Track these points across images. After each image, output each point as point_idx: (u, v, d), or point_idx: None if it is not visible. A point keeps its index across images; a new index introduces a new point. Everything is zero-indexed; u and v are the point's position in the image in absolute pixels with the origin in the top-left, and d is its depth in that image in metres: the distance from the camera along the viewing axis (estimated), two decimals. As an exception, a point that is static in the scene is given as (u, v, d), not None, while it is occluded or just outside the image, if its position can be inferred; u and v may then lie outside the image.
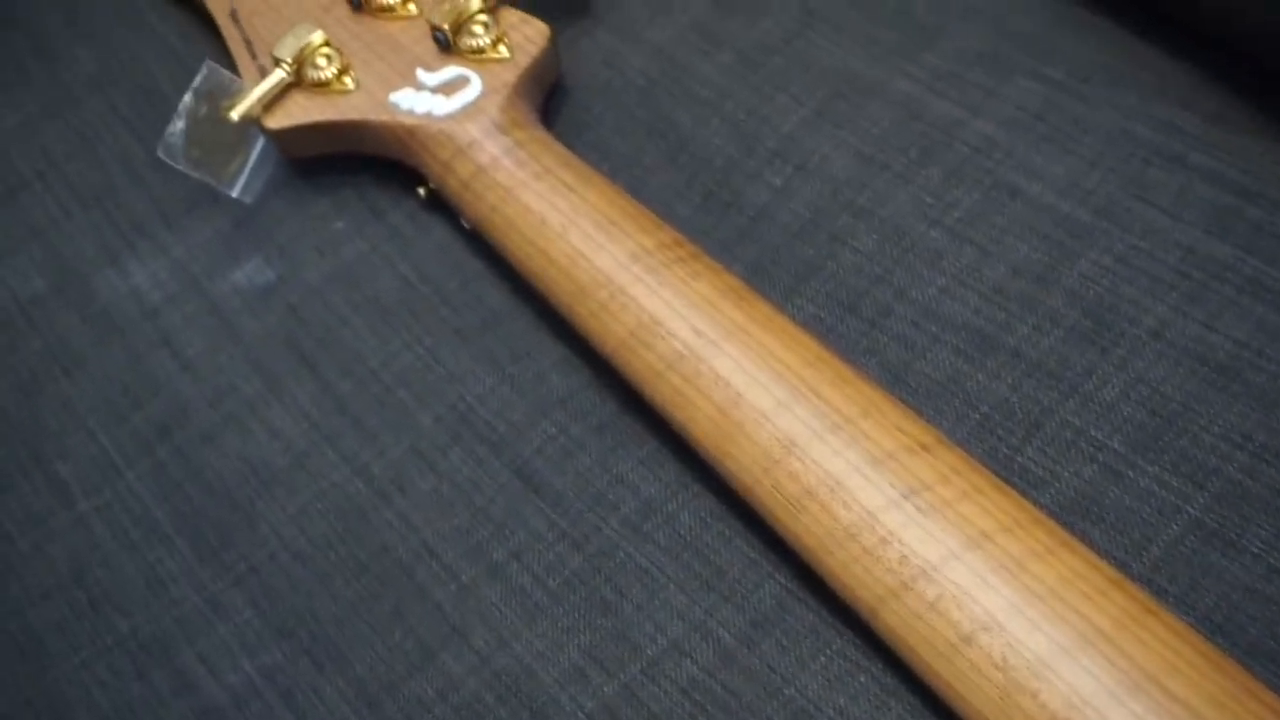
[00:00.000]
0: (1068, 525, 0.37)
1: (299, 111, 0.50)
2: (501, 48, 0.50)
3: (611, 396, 0.45)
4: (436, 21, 0.50)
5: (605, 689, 0.40)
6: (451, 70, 0.50)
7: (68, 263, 0.53)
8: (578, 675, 0.40)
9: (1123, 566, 0.37)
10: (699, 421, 0.40)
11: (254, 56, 0.52)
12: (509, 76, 0.49)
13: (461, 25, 0.50)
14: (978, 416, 0.41)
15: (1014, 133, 0.46)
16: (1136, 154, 0.44)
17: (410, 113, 0.49)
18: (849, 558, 0.37)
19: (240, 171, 0.51)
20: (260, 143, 0.51)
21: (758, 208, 0.47)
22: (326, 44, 0.50)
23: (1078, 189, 0.44)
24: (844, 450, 0.38)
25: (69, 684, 0.43)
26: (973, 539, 0.36)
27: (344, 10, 0.53)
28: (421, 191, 0.50)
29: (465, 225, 0.49)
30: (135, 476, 0.47)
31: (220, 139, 0.50)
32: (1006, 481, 0.37)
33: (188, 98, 0.48)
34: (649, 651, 0.40)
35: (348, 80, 0.50)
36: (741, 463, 0.39)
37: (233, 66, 0.52)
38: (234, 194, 0.51)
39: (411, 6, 0.52)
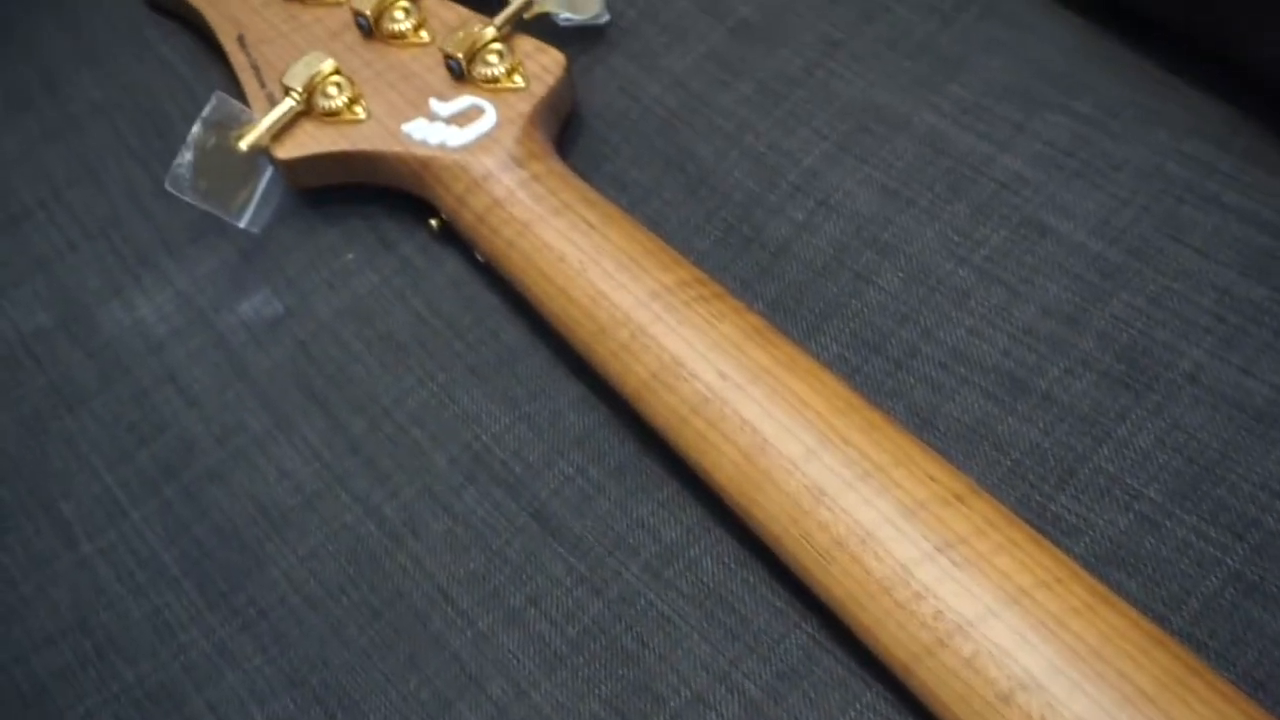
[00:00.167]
0: (1102, 576, 0.36)
1: (309, 141, 0.49)
2: (517, 77, 0.49)
3: (630, 436, 0.44)
4: (450, 50, 0.48)
5: (627, 743, 0.39)
6: (465, 100, 0.49)
7: (72, 295, 0.51)
8: (599, 728, 0.39)
9: (1160, 620, 0.36)
10: (724, 468, 0.39)
11: (262, 84, 0.51)
12: (524, 107, 0.48)
13: (475, 54, 0.49)
14: (1009, 463, 0.40)
15: (1043, 169, 0.45)
16: (1169, 192, 0.43)
17: (423, 144, 0.48)
18: (882, 612, 0.36)
19: (248, 202, 0.50)
20: (269, 172, 0.50)
21: (779, 243, 0.46)
22: (337, 72, 0.49)
23: (1109, 228, 0.43)
24: (875, 500, 0.37)
25: (73, 733, 0.42)
26: (1010, 595, 0.35)
27: (354, 37, 0.52)
28: (434, 223, 0.49)
29: (479, 259, 0.48)
30: (141, 517, 0.46)
31: (229, 169, 0.49)
32: (1039, 530, 0.37)
33: (196, 128, 0.47)
34: (672, 704, 0.39)
35: (359, 109, 0.49)
36: (769, 511, 0.38)
37: (239, 92, 0.51)
38: (242, 224, 0.50)
39: (423, 34, 0.51)
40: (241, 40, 0.53)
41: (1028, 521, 0.37)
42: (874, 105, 0.48)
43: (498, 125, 0.48)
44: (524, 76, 0.49)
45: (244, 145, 0.48)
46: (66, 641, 0.44)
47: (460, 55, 0.48)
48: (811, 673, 0.38)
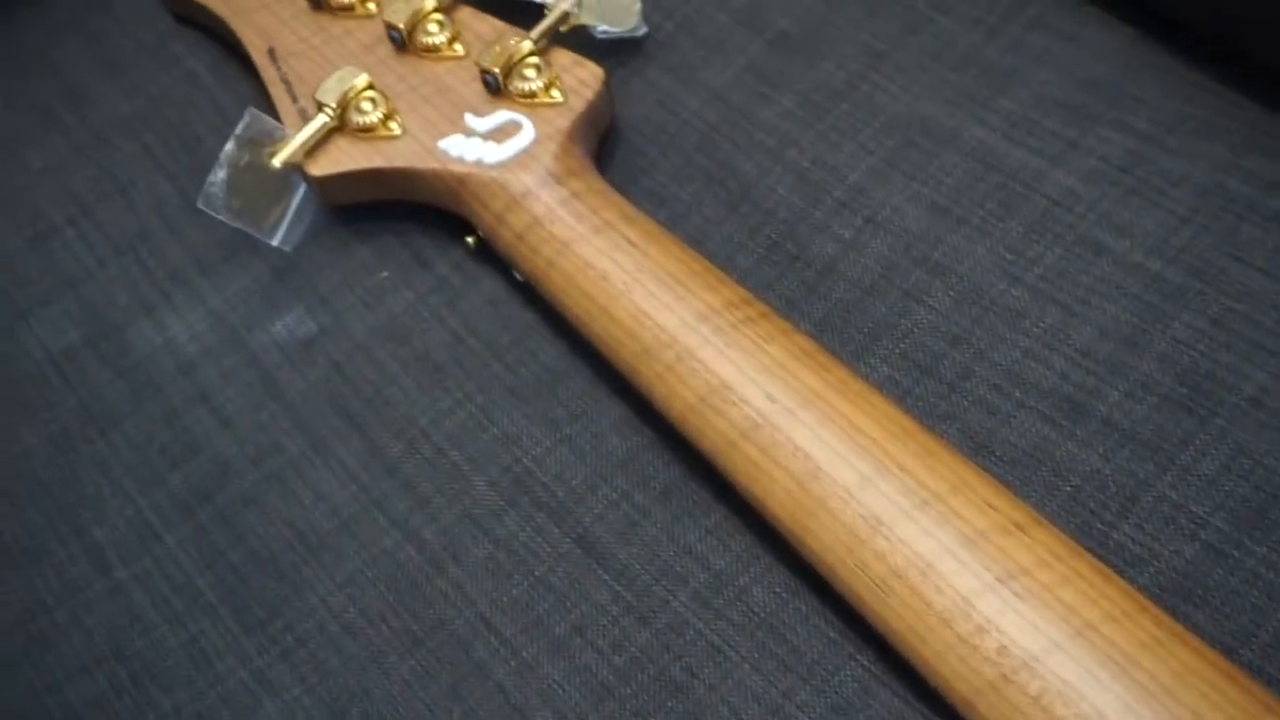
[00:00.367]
0: (1169, 608, 0.35)
1: (344, 158, 0.48)
2: (554, 91, 0.48)
3: (675, 460, 0.43)
4: (486, 64, 0.48)
5: (678, 778, 0.38)
6: (502, 115, 0.48)
7: (101, 313, 0.51)
8: (649, 762, 0.38)
9: (1230, 653, 0.35)
10: (776, 495, 0.38)
11: (294, 99, 0.50)
12: (563, 122, 0.47)
13: (512, 68, 0.48)
14: (1069, 489, 0.39)
15: (1097, 185, 0.44)
16: (1229, 209, 0.42)
17: (460, 160, 0.47)
18: (943, 645, 0.35)
19: (281, 219, 0.49)
20: (301, 189, 0.49)
21: (825, 261, 0.45)
22: (371, 87, 0.49)
23: (1167, 247, 0.42)
24: (934, 530, 0.36)
25: (109, 765, 0.41)
26: (1076, 629, 0.34)
27: (387, 50, 0.51)
28: (470, 241, 0.48)
29: (518, 277, 0.47)
30: (175, 541, 0.45)
31: (261, 187, 0.48)
32: (1101, 560, 0.36)
33: (230, 146, 0.46)
34: (723, 737, 0.38)
35: (393, 125, 0.48)
36: (823, 541, 0.37)
37: (270, 107, 0.50)
38: (274, 243, 0.49)
39: (458, 47, 0.50)
40: (272, 54, 0.52)
41: (1089, 551, 0.36)
42: (920, 119, 0.47)
43: (536, 141, 0.47)
44: (562, 91, 0.48)
45: (277, 162, 0.47)
46: (101, 670, 0.43)
47: (497, 70, 0.47)
48: (868, 706, 0.37)
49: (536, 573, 0.42)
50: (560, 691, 0.40)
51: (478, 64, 0.48)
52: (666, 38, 0.52)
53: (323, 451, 0.46)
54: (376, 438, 0.46)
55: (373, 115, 0.48)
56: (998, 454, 0.40)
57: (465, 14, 0.51)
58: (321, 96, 0.48)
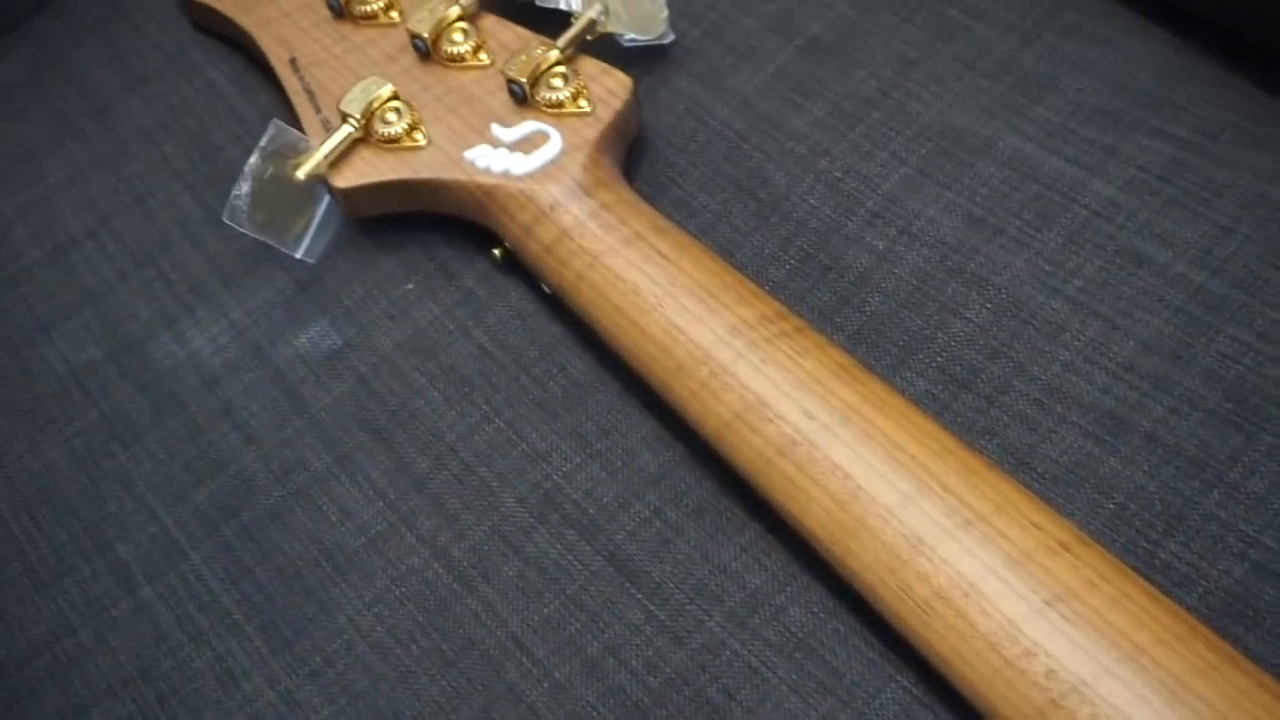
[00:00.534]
0: (1218, 629, 0.34)
1: (369, 170, 0.47)
2: (582, 101, 0.47)
3: (708, 476, 0.42)
4: (513, 74, 0.47)
5: (716, 802, 0.37)
6: (529, 125, 0.47)
7: (122, 327, 0.50)
8: (686, 786, 0.37)
9: (1282, 676, 0.34)
10: (814, 514, 0.38)
11: (317, 109, 0.50)
12: (591, 132, 0.46)
13: (539, 77, 0.47)
14: (1112, 506, 0.38)
15: (1138, 195, 0.43)
16: (1274, 219, 0.41)
17: (487, 171, 0.46)
18: (989, 670, 0.34)
19: (305, 232, 0.48)
20: (325, 201, 0.49)
21: (859, 273, 0.44)
22: (395, 97, 0.48)
23: (1211, 258, 0.41)
24: (978, 550, 0.35)
25: (136, 788, 0.41)
26: (1127, 653, 0.33)
27: (411, 59, 0.50)
28: (496, 253, 0.48)
29: (545, 290, 0.46)
30: (200, 558, 0.44)
31: (285, 199, 0.47)
32: (1148, 579, 0.35)
33: (254, 158, 0.46)
34: (762, 760, 0.37)
35: (419, 136, 0.48)
36: (864, 561, 0.37)
37: (292, 117, 0.50)
38: (298, 255, 0.49)
39: (483, 56, 0.49)
40: (294, 63, 0.52)
41: (1135, 570, 0.35)
42: (954, 128, 0.46)
43: (564, 152, 0.46)
44: (589, 100, 0.47)
45: (301, 175, 0.46)
46: (128, 691, 0.42)
47: (524, 79, 0.47)
48: (909, 729, 0.37)
49: (568, 591, 0.41)
50: (594, 714, 0.39)
51: (504, 73, 0.47)
52: (694, 45, 0.51)
53: (349, 467, 0.45)
54: (403, 453, 0.45)
55: (398, 126, 0.47)
56: (1039, 471, 0.39)
57: (489, 22, 0.50)
58: (346, 107, 0.47)
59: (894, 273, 0.44)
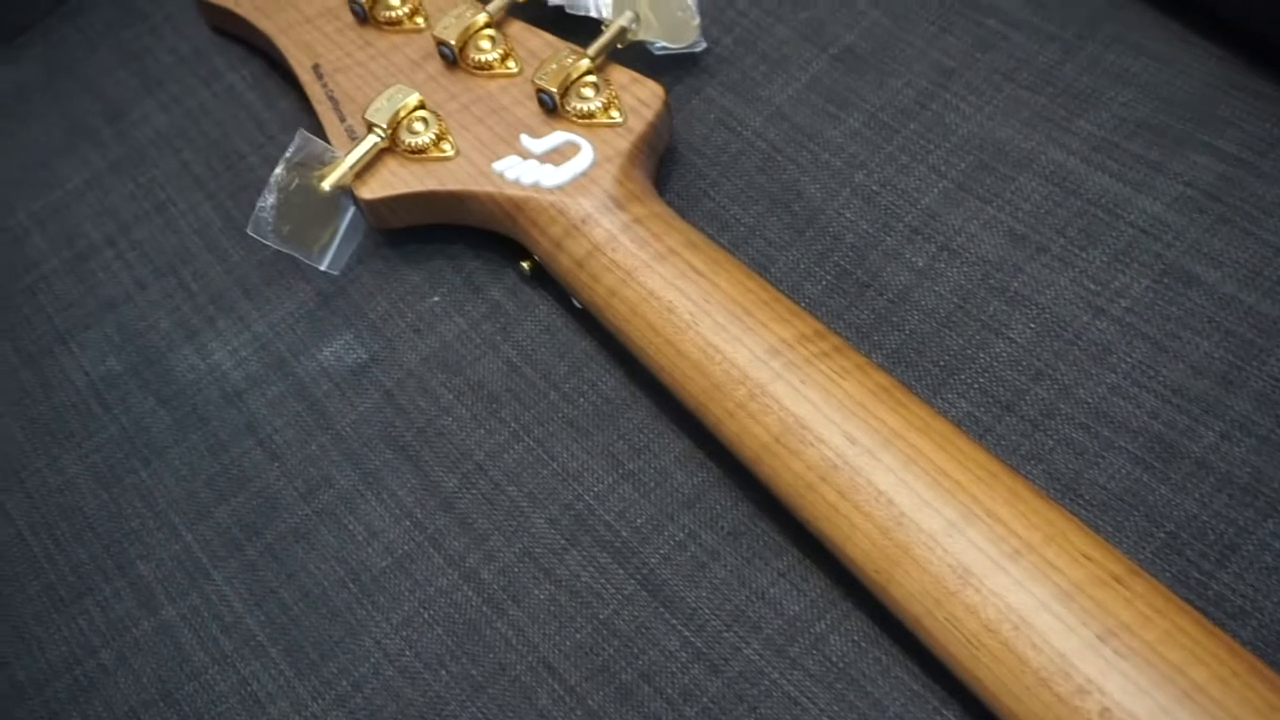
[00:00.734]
0: (1275, 664, 0.33)
1: (395, 181, 0.46)
2: (613, 111, 0.46)
3: (744, 498, 0.41)
4: (543, 83, 0.46)
5: (755, 836, 0.36)
6: (559, 136, 0.46)
7: (143, 338, 0.49)
8: (724, 819, 0.37)
9: (1340, 713, 0.33)
10: (857, 542, 0.37)
11: (342, 118, 0.49)
12: (623, 144, 0.45)
13: (569, 87, 0.46)
14: (1163, 535, 0.37)
15: (1185, 213, 0.42)
16: (1327, 240, 0.40)
17: (516, 183, 0.45)
18: (1040, 706, 0.33)
19: (330, 243, 0.47)
20: (350, 211, 0.48)
21: (897, 290, 0.43)
22: (422, 106, 0.47)
23: (1261, 278, 0.40)
24: (1027, 582, 0.34)
25: (160, 815, 0.40)
26: (1185, 691, 0.32)
27: (437, 66, 0.49)
28: (525, 265, 0.47)
29: (576, 304, 0.45)
30: (223, 578, 0.44)
31: (310, 210, 0.46)
32: (1200, 611, 0.34)
33: (279, 169, 0.45)
34: (802, 793, 0.36)
35: (446, 146, 0.47)
36: (909, 590, 0.36)
37: (315, 125, 0.49)
38: (323, 267, 0.48)
39: (511, 64, 0.48)
40: (317, 70, 0.51)
41: (1188, 602, 0.34)
42: (995, 141, 0.45)
43: (595, 164, 0.45)
44: (621, 111, 0.46)
45: (326, 186, 0.45)
46: (150, 715, 0.41)
47: (554, 89, 0.46)
48: (954, 763, 0.36)
49: (600, 616, 0.40)
50: (628, 742, 0.38)
51: (533, 82, 0.46)
52: (726, 53, 0.50)
53: (375, 485, 0.44)
54: (430, 471, 0.44)
55: (425, 136, 0.46)
56: (1086, 497, 0.38)
57: (517, 29, 0.49)
58: (372, 116, 0.46)
59: (934, 290, 0.43)
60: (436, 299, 0.48)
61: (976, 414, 0.41)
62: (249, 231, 0.45)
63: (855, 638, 0.38)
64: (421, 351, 0.47)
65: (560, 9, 0.50)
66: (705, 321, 0.41)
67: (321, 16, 0.52)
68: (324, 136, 0.48)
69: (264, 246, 0.48)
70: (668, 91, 0.46)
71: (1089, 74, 0.45)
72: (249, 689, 0.41)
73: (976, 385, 0.41)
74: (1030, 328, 0.41)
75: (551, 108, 0.46)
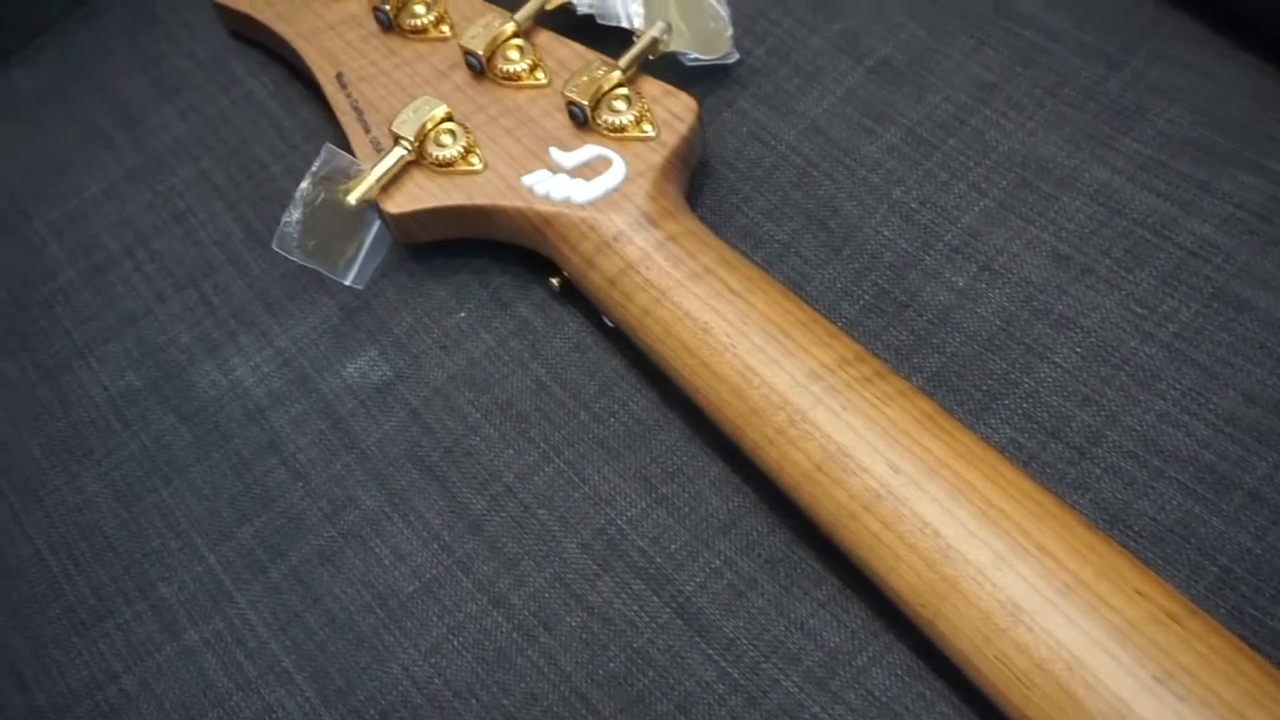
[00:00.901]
0: (1333, 704, 0.33)
1: (423, 195, 0.45)
2: (645, 125, 0.45)
3: (781, 524, 0.40)
4: (574, 95, 0.45)
5: None
6: (590, 150, 0.45)
7: (163, 353, 0.48)
8: None
9: (1401, 756, 0.33)
10: (902, 574, 0.36)
11: (366, 129, 0.48)
12: (655, 158, 0.44)
13: (601, 99, 0.45)
14: (1216, 569, 0.36)
15: (1235, 234, 0.41)
16: (1383, 265, 0.39)
17: (547, 198, 0.44)
18: (1095, 749, 0.32)
19: (355, 258, 0.46)
20: (375, 226, 0.47)
21: (937, 311, 0.42)
22: (449, 118, 0.46)
23: (1316, 304, 0.39)
24: (1080, 620, 0.33)
25: (184, 846, 0.39)
26: (1246, 737, 0.31)
27: (464, 76, 0.48)
28: (554, 282, 0.46)
29: (608, 323, 0.44)
30: (247, 601, 0.43)
31: (335, 225, 0.45)
32: (1256, 648, 0.33)
33: (305, 184, 0.44)
34: (844, 831, 0.36)
35: (474, 159, 0.46)
36: (956, 626, 0.35)
37: (339, 134, 0.48)
38: (347, 282, 0.47)
39: (540, 75, 0.47)
40: (340, 79, 0.49)
41: (1242, 638, 0.33)
42: (1037, 158, 0.44)
43: (627, 179, 0.44)
44: (653, 124, 0.45)
45: (352, 200, 0.44)
46: (174, 743, 0.41)
47: (585, 101, 0.45)
48: (1001, 803, 0.35)
49: (635, 645, 0.40)
50: (664, 776, 0.37)
51: (564, 94, 0.45)
52: (759, 64, 0.49)
53: (401, 506, 0.43)
54: (458, 492, 0.43)
55: (452, 149, 0.45)
56: (1135, 529, 0.37)
57: (545, 38, 0.48)
58: (399, 129, 0.45)
59: (975, 312, 0.42)
60: (463, 315, 0.47)
61: (1020, 440, 0.40)
62: (274, 247, 0.44)
63: (898, 671, 0.37)
64: (448, 369, 0.46)
65: (589, 18, 0.49)
66: (743, 344, 0.40)
67: (344, 23, 0.51)
68: (347, 147, 0.47)
69: (286, 259, 0.47)
70: (700, 104, 0.45)
71: (1133, 90, 0.44)
72: (274, 717, 0.40)
73: (1020, 411, 0.40)
74: (1076, 352, 0.40)
75: (582, 120, 0.45)
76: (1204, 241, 0.41)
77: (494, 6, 0.49)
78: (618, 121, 0.45)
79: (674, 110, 0.45)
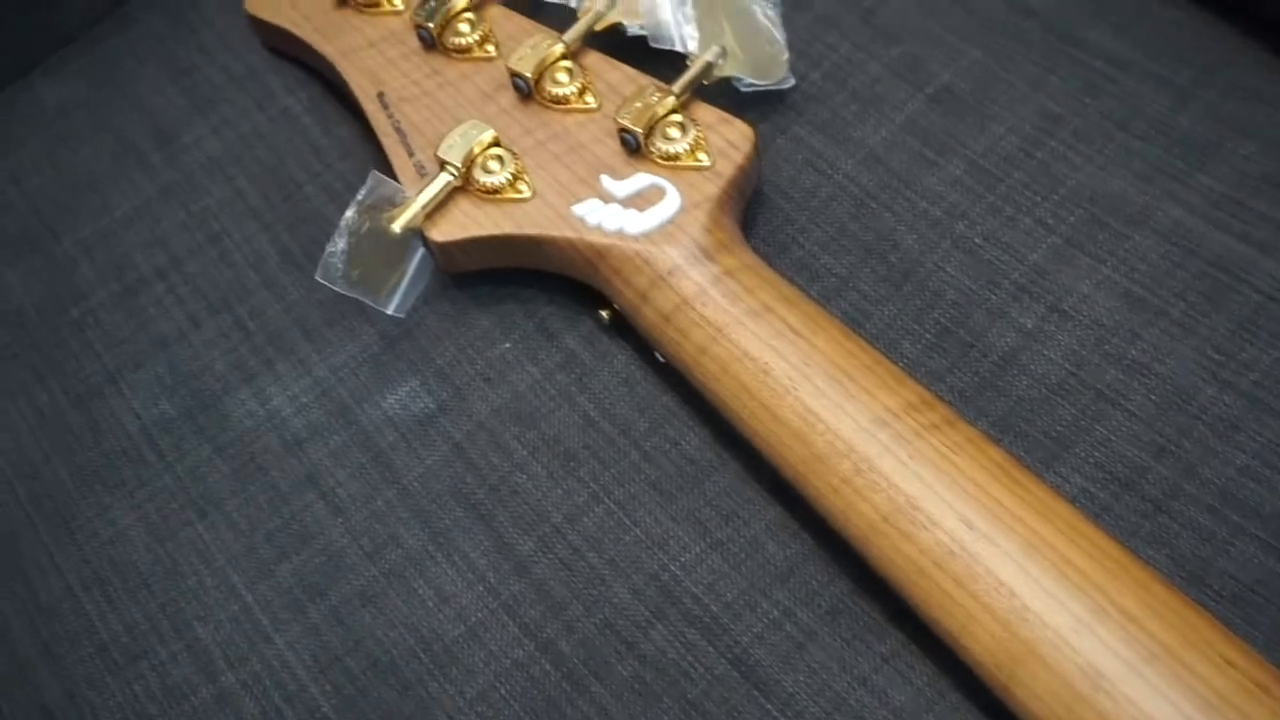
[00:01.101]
0: None
1: (469, 223, 0.44)
2: (700, 154, 0.43)
3: (841, 573, 0.39)
4: (627, 122, 0.43)
5: None
6: (643, 179, 0.44)
7: (197, 380, 0.47)
8: None
9: None
10: (977, 635, 0.34)
11: (410, 151, 0.46)
12: (711, 189, 0.43)
13: (654, 126, 0.44)
14: (1301, 633, 0.35)
15: (1317, 279, 0.39)
16: None
17: (599, 229, 0.43)
18: (1183, 827, 0.31)
19: (397, 287, 0.45)
20: (419, 253, 0.45)
21: (1004, 353, 0.41)
22: (497, 143, 0.44)
23: (1404, 355, 0.38)
24: (1166, 690, 0.32)
25: None
26: (1343, 817, 0.30)
27: (510, 99, 0.47)
28: (604, 314, 0.44)
29: (660, 359, 0.43)
30: (285, 643, 0.41)
31: (379, 253, 0.44)
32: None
33: (350, 212, 0.42)
34: None
35: (523, 187, 0.44)
36: (1034, 692, 0.33)
37: (380, 156, 0.46)
38: (390, 311, 0.45)
39: (589, 99, 0.46)
40: (381, 99, 0.48)
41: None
42: (1107, 194, 0.43)
43: (682, 210, 0.42)
44: (708, 153, 0.44)
45: (397, 228, 0.43)
46: (212, 793, 0.39)
47: (639, 129, 0.43)
48: None
49: (689, 696, 0.38)
50: (722, 836, 0.36)
51: (616, 121, 0.44)
52: (814, 90, 0.47)
53: (445, 546, 0.42)
54: (504, 532, 0.42)
55: (500, 176, 0.44)
56: (1215, 588, 0.36)
57: (595, 60, 0.47)
58: (445, 154, 0.44)
59: (1043, 354, 0.41)
60: (508, 345, 0.45)
61: (1093, 490, 0.38)
62: (318, 278, 0.43)
63: (967, 733, 0.36)
64: (492, 402, 0.44)
65: (641, 39, 0.47)
66: (805, 386, 0.38)
67: (385, 40, 0.50)
68: (386, 168, 0.46)
69: (323, 285, 0.45)
70: (757, 132, 0.44)
71: (1206, 123, 0.43)
72: (315, 765, 0.39)
73: (1092, 460, 0.39)
74: (1150, 400, 0.39)
75: (635, 148, 0.44)
76: (1284, 286, 0.40)
77: (541, 26, 0.47)
78: (672, 150, 0.43)
79: (730, 138, 0.44)
